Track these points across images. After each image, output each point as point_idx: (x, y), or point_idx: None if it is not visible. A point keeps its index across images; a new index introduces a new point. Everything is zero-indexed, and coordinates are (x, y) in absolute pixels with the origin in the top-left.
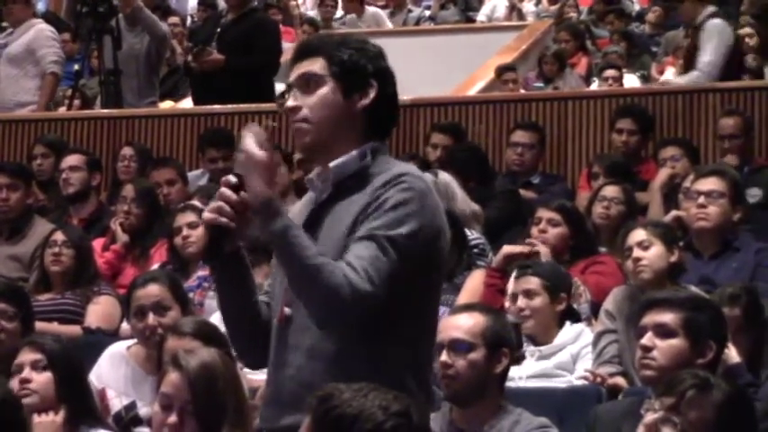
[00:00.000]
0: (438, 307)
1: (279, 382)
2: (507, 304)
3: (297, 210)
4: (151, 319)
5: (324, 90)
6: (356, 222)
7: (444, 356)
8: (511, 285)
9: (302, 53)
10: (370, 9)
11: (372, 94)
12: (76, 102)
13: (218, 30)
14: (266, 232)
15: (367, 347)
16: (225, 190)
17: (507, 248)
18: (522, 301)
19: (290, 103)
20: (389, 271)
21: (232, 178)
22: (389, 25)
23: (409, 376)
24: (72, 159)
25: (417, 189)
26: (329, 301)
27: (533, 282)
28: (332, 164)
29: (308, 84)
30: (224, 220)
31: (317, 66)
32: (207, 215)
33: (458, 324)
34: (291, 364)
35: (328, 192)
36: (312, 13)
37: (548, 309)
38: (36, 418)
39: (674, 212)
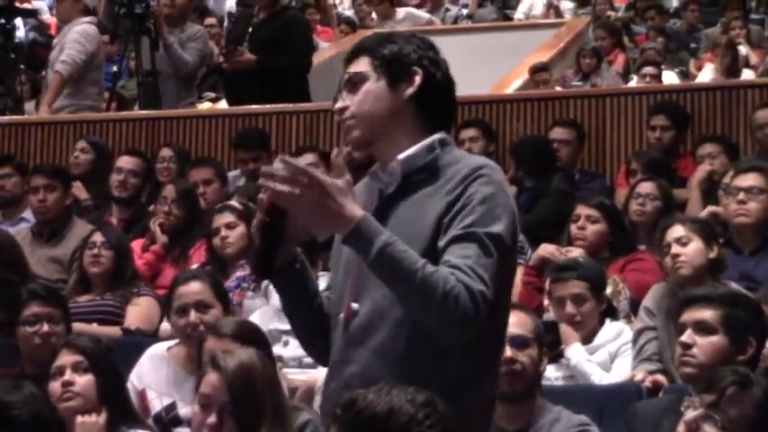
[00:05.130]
0: (510, 303)
1: (344, 378)
2: (546, 302)
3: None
4: (193, 316)
5: (367, 84)
6: (440, 224)
7: (509, 352)
8: (550, 286)
9: (349, 57)
10: (402, 10)
11: (418, 81)
12: (113, 104)
13: (250, 29)
14: (364, 258)
15: (434, 347)
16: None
17: (544, 250)
18: (571, 308)
19: (338, 104)
20: (495, 268)
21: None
22: (426, 18)
23: (474, 375)
24: (132, 163)
25: (498, 181)
26: (452, 311)
27: (581, 286)
28: (400, 156)
29: (355, 83)
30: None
31: (361, 65)
32: (255, 222)
33: (513, 321)
34: (358, 361)
35: (396, 185)
36: (349, 12)
37: (595, 312)
38: (79, 419)
39: (709, 208)
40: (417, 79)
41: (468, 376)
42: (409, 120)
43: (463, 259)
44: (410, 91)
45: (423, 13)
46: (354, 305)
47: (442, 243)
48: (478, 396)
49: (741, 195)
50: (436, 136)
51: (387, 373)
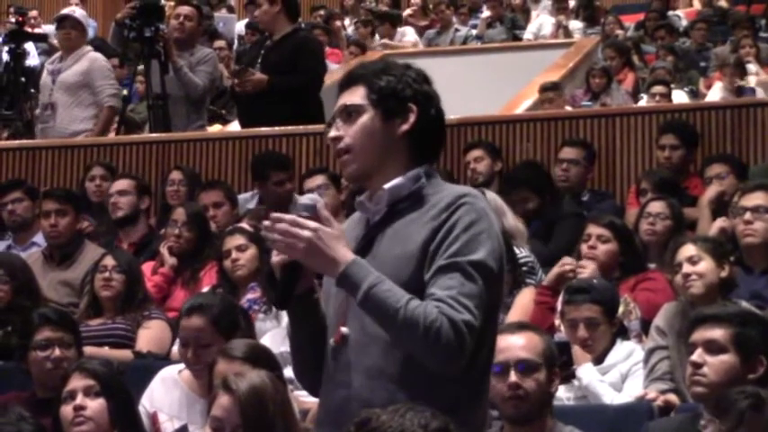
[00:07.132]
0: (497, 327)
1: (336, 401)
2: (557, 322)
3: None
4: (191, 353)
5: (364, 118)
6: (426, 250)
7: (513, 377)
8: (563, 307)
9: (345, 83)
10: (399, 29)
11: (412, 119)
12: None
13: (262, 52)
14: (354, 298)
15: (428, 368)
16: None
17: (559, 268)
18: (584, 331)
19: (332, 133)
20: (479, 295)
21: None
22: (415, 40)
23: (467, 397)
24: (120, 184)
25: (481, 208)
26: (434, 344)
27: (594, 310)
28: (386, 185)
29: (350, 114)
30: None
31: (357, 95)
32: (275, 259)
33: (521, 344)
34: (350, 384)
35: (382, 213)
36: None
37: (608, 334)
38: None
39: (717, 223)
40: (412, 117)
41: (460, 399)
42: (401, 154)
43: (447, 290)
44: (404, 128)
45: (412, 37)
46: (344, 329)
47: (427, 276)
48: (474, 414)
49: (747, 215)
50: (422, 168)
51: (381, 394)
